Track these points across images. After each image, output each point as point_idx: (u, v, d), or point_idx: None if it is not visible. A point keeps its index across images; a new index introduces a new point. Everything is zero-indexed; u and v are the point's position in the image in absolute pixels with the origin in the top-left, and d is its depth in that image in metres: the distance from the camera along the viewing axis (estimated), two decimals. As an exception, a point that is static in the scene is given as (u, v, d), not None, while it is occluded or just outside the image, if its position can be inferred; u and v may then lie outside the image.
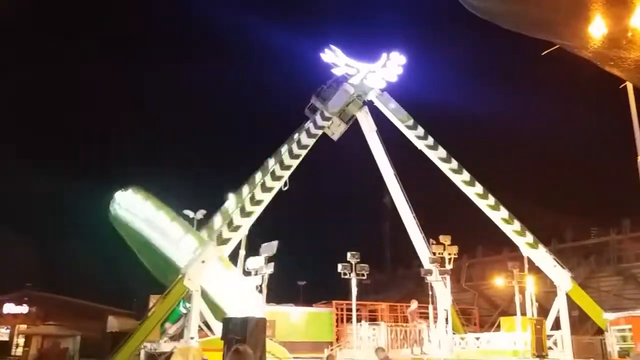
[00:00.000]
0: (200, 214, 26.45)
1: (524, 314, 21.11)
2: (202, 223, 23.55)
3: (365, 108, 25.75)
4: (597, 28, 8.30)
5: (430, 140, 24.59)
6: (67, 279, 38.26)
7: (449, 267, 22.03)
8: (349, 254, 20.33)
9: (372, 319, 25.99)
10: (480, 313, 33.65)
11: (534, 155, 43.22)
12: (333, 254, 23.37)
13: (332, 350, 21.74)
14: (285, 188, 21.24)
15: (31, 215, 47.63)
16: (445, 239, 22.54)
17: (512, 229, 23.24)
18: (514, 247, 24.65)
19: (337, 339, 24.73)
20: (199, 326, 19.01)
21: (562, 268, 22.80)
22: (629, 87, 18.37)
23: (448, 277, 22.09)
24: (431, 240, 23.81)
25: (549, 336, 20.93)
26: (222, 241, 19.74)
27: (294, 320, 24.35)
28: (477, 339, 22.22)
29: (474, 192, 23.60)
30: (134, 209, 21.45)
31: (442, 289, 22.41)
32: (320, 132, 23.05)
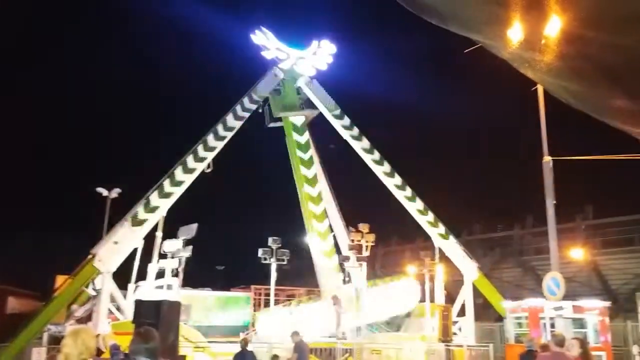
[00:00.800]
0: (115, 192, 25.32)
1: (433, 300, 22.18)
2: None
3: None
4: (516, 32, 8.77)
5: (356, 130, 25.02)
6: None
7: (366, 254, 22.61)
8: (270, 239, 20.34)
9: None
10: (393, 299, 34.92)
11: (450, 150, 45.23)
12: (254, 239, 23.28)
13: (247, 334, 21.68)
14: (209, 170, 20.77)
15: None
16: (363, 227, 23.10)
17: (425, 220, 24.27)
18: (426, 237, 25.77)
19: (254, 324, 24.73)
20: (109, 309, 18.27)
21: (470, 259, 24.16)
22: (540, 89, 19.62)
23: (364, 264, 22.69)
24: (350, 227, 24.32)
25: (455, 322, 22.14)
26: (137, 222, 19.03)
27: (211, 304, 24.02)
28: (388, 323, 23.06)
29: (392, 183, 24.37)
30: None
31: (358, 275, 22.99)
32: (247, 114, 22.70)
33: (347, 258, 22.24)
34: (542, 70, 10.52)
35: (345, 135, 24.92)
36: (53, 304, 17.90)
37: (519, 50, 9.39)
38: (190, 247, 18.60)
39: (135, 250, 19.86)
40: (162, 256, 18.91)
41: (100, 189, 25.03)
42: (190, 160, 20.43)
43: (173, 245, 18.87)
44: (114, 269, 18.44)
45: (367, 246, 22.69)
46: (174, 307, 13.53)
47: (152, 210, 19.28)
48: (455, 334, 21.78)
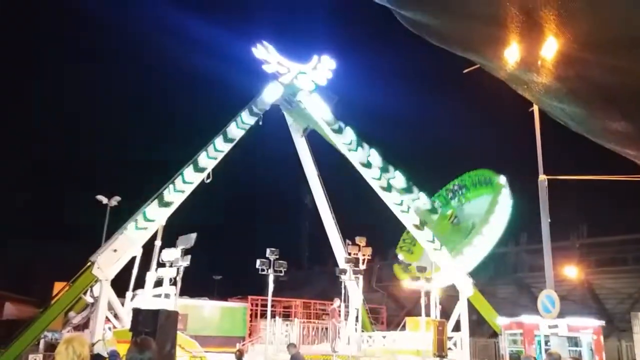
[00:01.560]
0: (115, 200, 25.46)
1: (428, 315, 22.28)
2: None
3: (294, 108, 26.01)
4: (513, 53, 9.02)
5: (354, 145, 25.24)
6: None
7: (362, 267, 22.75)
8: (268, 250, 20.45)
9: (286, 315, 26.30)
10: (387, 313, 35.00)
11: (447, 165, 45.37)
12: (251, 250, 23.42)
13: (243, 345, 21.76)
14: (208, 180, 20.95)
15: None
16: (360, 241, 23.25)
17: (421, 235, 24.42)
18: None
19: (250, 334, 24.77)
20: (107, 317, 18.34)
21: (465, 275, 24.29)
22: (536, 110, 19.95)
23: (361, 277, 22.82)
24: (347, 240, 24.47)
25: (450, 337, 22.21)
26: (137, 230, 19.13)
27: (207, 314, 24.08)
28: (384, 337, 23.13)
29: (389, 197, 24.53)
30: None
31: (354, 289, 23.11)
32: (246, 127, 22.95)
33: (344, 271, 22.37)
34: (539, 92, 10.73)
35: (343, 149, 25.14)
36: (50, 311, 17.93)
37: (516, 72, 9.61)
38: (189, 257, 18.75)
39: (133, 258, 19.98)
40: (161, 265, 19.05)
41: (100, 197, 25.16)
42: (190, 170, 20.63)
43: (172, 254, 19.03)
44: (113, 277, 18.53)
45: (363, 259, 22.83)
46: (172, 317, 13.62)
47: (151, 219, 19.42)
48: (450, 349, 21.85)
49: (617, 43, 7.29)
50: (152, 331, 12.46)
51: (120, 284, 19.80)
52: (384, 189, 24.67)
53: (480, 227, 24.04)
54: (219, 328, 23.68)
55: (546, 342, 17.35)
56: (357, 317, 22.66)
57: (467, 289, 23.83)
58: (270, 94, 24.06)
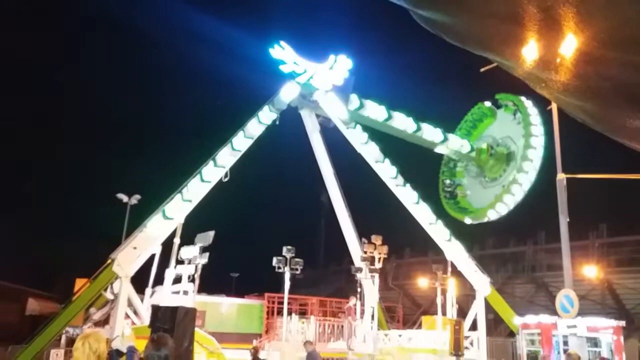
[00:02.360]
0: (135, 199, 25.80)
1: (444, 314, 22.23)
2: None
3: (310, 107, 26.06)
4: (532, 51, 8.98)
5: (371, 145, 25.25)
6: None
7: (378, 266, 22.76)
8: (284, 248, 20.57)
9: (302, 313, 26.42)
10: (403, 311, 34.98)
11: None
12: (268, 248, 23.56)
13: (259, 342, 21.93)
14: (226, 179, 21.14)
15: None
16: (376, 239, 23.25)
17: (438, 234, 24.34)
18: (439, 251, 25.84)
19: (267, 331, 24.93)
20: (126, 313, 18.63)
21: (482, 273, 24.17)
22: (554, 108, 19.76)
23: (377, 276, 22.83)
24: (363, 239, 24.49)
25: (466, 337, 22.13)
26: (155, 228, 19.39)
27: (225, 311, 24.30)
28: (400, 335, 23.13)
29: (405, 196, 24.50)
30: None
31: (370, 287, 23.13)
32: (264, 126, 23.09)
33: (359, 269, 22.41)
34: (557, 90, 10.64)
35: (360, 148, 25.15)
36: (72, 307, 18.27)
37: (534, 70, 9.54)
38: (207, 254, 18.94)
39: (153, 255, 20.26)
40: (180, 262, 19.28)
41: (120, 195, 25.51)
42: (208, 169, 20.83)
43: (190, 251, 19.22)
44: (132, 274, 18.83)
45: (379, 258, 22.84)
46: (190, 313, 13.78)
47: (171, 217, 19.66)
48: (467, 348, 21.78)
49: (637, 40, 7.22)
50: (171, 327, 12.64)
51: (140, 281, 20.10)
52: (400, 187, 24.67)
53: (525, 151, 24.82)
54: (236, 325, 23.88)
55: (564, 343, 17.21)
56: (373, 316, 22.67)
57: (484, 288, 23.71)
58: (287, 94, 24.17)
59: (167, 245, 19.84)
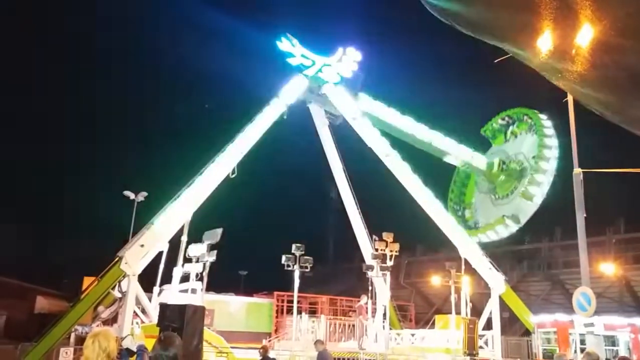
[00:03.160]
0: (142, 196, 25.69)
1: (458, 313, 21.79)
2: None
3: (319, 102, 25.75)
4: (548, 41, 8.58)
5: (380, 139, 24.87)
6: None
7: (390, 263, 22.39)
8: (293, 246, 20.28)
9: (312, 312, 26.15)
10: (416, 310, 34.56)
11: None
12: (277, 245, 23.27)
13: (269, 341, 21.68)
14: (233, 175, 20.92)
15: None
16: (388, 236, 22.86)
17: (451, 230, 23.90)
18: (452, 248, 25.39)
19: (276, 330, 24.69)
20: (134, 311, 18.50)
21: (497, 271, 23.70)
22: (570, 100, 19.21)
23: (388, 274, 22.46)
24: (374, 236, 24.12)
25: (481, 336, 21.71)
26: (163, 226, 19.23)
27: (234, 309, 24.12)
28: (413, 335, 22.75)
29: (417, 191, 24.09)
30: None
31: (381, 285, 22.76)
32: (272, 120, 22.82)
33: (371, 267, 22.04)
34: (574, 81, 10.26)
35: (370, 142, 24.79)
36: (80, 305, 18.19)
37: (550, 60, 9.19)
38: (215, 252, 18.72)
39: (160, 253, 20.09)
40: (187, 260, 19.08)
41: (127, 193, 25.42)
42: (215, 165, 20.62)
43: (198, 249, 19.02)
44: (140, 272, 18.67)
45: (391, 255, 22.45)
46: (198, 312, 13.54)
47: (178, 214, 19.47)
48: (481, 347, 21.35)
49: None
50: (179, 326, 12.40)
51: (147, 279, 19.96)
52: (412, 182, 24.25)
53: (537, 163, 24.59)
54: (245, 324, 23.71)
55: (581, 341, 16.82)
56: (384, 314, 22.32)
57: (498, 286, 23.24)
58: (295, 87, 23.89)
59: (175, 243, 19.67)
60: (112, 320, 19.42)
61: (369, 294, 22.04)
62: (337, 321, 23.95)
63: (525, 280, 34.87)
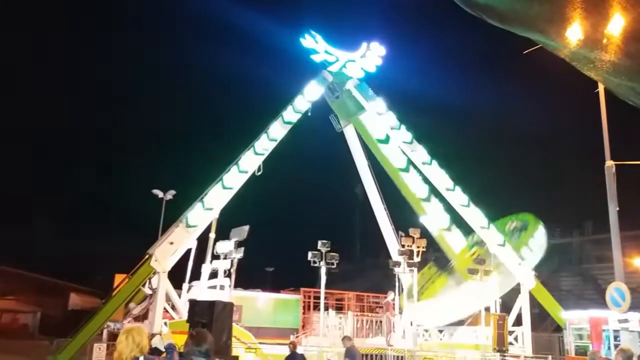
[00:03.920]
0: (170, 194, 26.05)
1: (487, 309, 21.51)
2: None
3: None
4: (577, 30, 8.38)
5: (406, 133, 24.67)
6: (28, 253, 37.24)
7: (417, 259, 22.21)
8: (319, 243, 20.28)
9: (339, 308, 26.15)
10: (444, 306, 34.16)
11: (504, 153, 43.95)
12: (302, 242, 23.34)
13: (296, 337, 21.78)
14: (259, 173, 21.02)
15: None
16: (414, 232, 22.68)
17: (479, 226, 23.58)
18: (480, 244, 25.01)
19: (303, 326, 24.78)
20: (164, 308, 18.78)
21: (526, 266, 23.29)
22: (601, 91, 18.72)
23: (415, 270, 22.29)
24: (400, 232, 23.95)
25: (510, 332, 21.40)
26: (191, 223, 19.44)
27: (261, 305, 24.29)
28: (441, 331, 22.57)
29: (444, 187, 23.83)
30: None
31: (409, 281, 22.61)
32: (296, 118, 22.83)
33: (397, 263, 21.91)
34: (607, 71, 10.00)
35: (396, 138, 24.62)
36: (112, 302, 18.58)
37: (581, 50, 8.99)
38: (242, 249, 18.90)
39: (189, 250, 20.35)
40: (215, 257, 19.30)
41: (156, 191, 25.80)
42: (241, 163, 20.74)
43: (225, 246, 19.25)
44: (169, 269, 18.94)
45: (418, 252, 22.27)
46: (227, 308, 13.73)
47: (206, 211, 19.68)
48: (511, 344, 21.05)
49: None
50: (209, 322, 12.60)
51: (177, 276, 20.22)
52: (438, 178, 24.01)
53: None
54: (272, 320, 23.86)
55: (615, 338, 16.43)
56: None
57: (528, 281, 22.85)
58: (319, 83, 23.85)
59: (203, 240, 19.91)
60: (143, 316, 19.77)
61: (396, 290, 21.92)
62: (364, 317, 23.90)
63: (556, 276, 34.19)
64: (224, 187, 20.08)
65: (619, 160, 17.90)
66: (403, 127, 24.54)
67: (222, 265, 19.28)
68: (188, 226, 19.21)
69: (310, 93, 23.37)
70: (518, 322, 22.27)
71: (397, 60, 26.35)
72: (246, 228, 19.29)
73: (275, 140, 21.68)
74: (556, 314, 22.41)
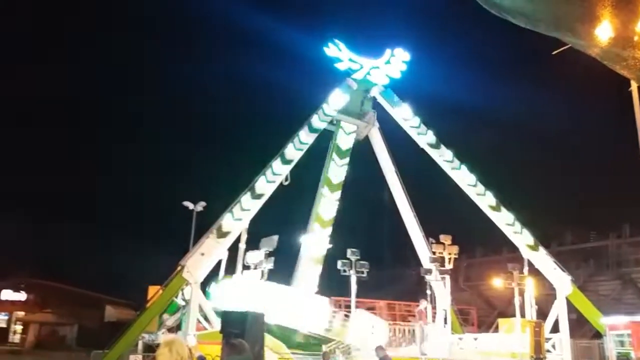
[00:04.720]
0: (200, 206, 26.36)
1: (523, 315, 21.03)
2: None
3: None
4: (607, 28, 8.22)
5: (433, 138, 24.48)
6: (65, 266, 38.22)
7: (449, 267, 21.89)
8: (349, 251, 20.21)
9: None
10: (477, 313, 33.57)
11: (536, 156, 43.11)
12: (333, 250, 23.29)
13: (329, 347, 21.64)
14: (287, 182, 21.11)
15: (30, 201, 47.78)
16: (445, 239, 22.40)
17: (512, 230, 23.14)
18: (513, 248, 24.56)
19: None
20: (197, 319, 18.93)
21: (562, 271, 22.73)
22: (634, 89, 18.21)
23: (448, 277, 21.97)
24: (430, 239, 23.67)
25: (548, 339, 20.86)
26: (221, 234, 19.64)
27: (292, 315, 24.19)
28: (476, 339, 22.14)
29: (475, 192, 23.50)
30: None
31: (441, 289, 22.29)
32: (322, 127, 22.89)
33: (429, 271, 21.63)
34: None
35: (422, 143, 24.43)
36: (146, 314, 18.81)
37: (612, 48, 8.80)
38: (272, 259, 18.94)
39: (220, 261, 20.52)
40: (246, 267, 19.40)
41: (186, 203, 26.16)
42: (268, 173, 20.87)
43: (255, 256, 19.31)
44: (202, 280, 19.13)
45: (449, 258, 21.96)
46: (259, 318, 13.77)
47: (235, 222, 19.84)
48: (548, 351, 20.50)
49: None
50: (241, 332, 12.65)
51: (208, 287, 20.37)
52: (469, 183, 23.74)
53: None
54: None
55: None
56: (445, 319, 21.83)
57: (565, 287, 22.27)
58: (343, 92, 23.87)
59: (233, 251, 20.03)
60: (176, 327, 19.97)
61: (429, 298, 21.63)
62: (397, 326, 23.61)
63: (593, 280, 33.22)
64: (253, 197, 20.25)
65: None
66: (430, 132, 24.37)
67: (252, 275, 19.36)
68: (219, 237, 19.40)
69: (335, 101, 23.43)
70: (555, 328, 21.70)
71: (421, 64, 26.17)
72: (275, 238, 19.33)
73: (301, 150, 21.77)
74: (595, 319, 21.76)
